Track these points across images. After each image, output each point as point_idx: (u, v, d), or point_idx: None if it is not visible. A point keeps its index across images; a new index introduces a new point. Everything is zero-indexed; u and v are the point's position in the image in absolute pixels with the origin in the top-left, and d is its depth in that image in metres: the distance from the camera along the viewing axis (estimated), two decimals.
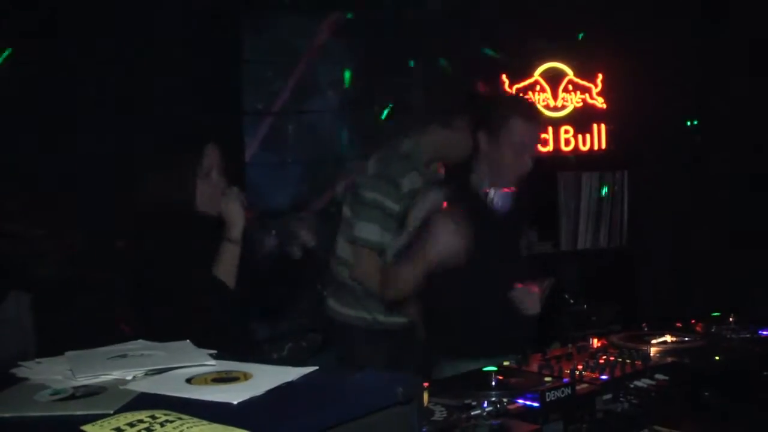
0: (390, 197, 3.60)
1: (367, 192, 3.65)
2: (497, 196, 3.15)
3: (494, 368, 2.42)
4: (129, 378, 1.45)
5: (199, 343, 1.67)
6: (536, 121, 3.28)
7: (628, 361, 2.53)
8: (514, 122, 3.13)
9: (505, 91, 3.44)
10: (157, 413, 1.19)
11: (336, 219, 3.98)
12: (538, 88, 5.41)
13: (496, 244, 3.17)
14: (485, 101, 3.36)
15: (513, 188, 3.20)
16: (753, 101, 5.50)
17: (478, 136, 3.20)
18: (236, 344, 2.79)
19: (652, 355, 2.66)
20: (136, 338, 1.74)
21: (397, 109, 5.31)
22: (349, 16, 5.11)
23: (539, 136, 3.37)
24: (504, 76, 5.30)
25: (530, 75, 5.41)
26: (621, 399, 2.35)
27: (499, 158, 3.15)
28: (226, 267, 2.94)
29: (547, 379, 2.31)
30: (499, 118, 3.15)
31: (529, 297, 3.16)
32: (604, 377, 2.37)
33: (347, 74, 5.22)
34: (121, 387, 1.40)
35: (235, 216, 2.96)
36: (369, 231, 3.60)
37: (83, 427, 1.17)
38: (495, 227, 3.16)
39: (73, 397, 1.37)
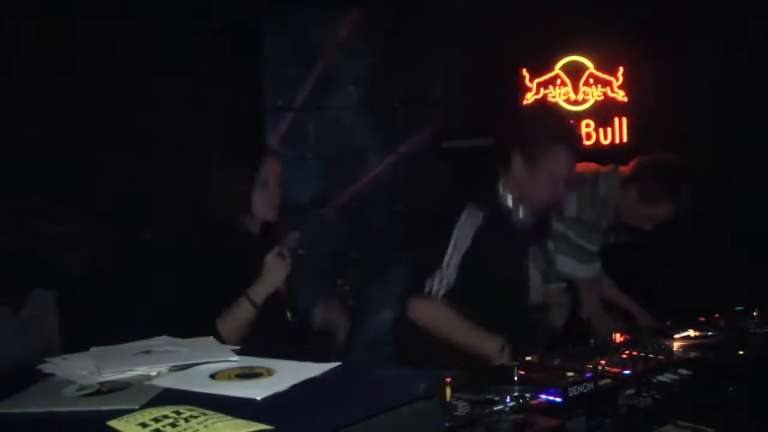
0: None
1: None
2: (523, 215, 3.10)
3: (516, 363, 2.42)
4: (153, 374, 1.46)
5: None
6: (578, 150, 3.18)
7: (651, 355, 2.52)
8: (559, 153, 3.01)
9: (551, 115, 3.36)
10: (182, 408, 1.20)
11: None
12: (558, 81, 5.40)
13: (515, 256, 3.20)
14: (528, 122, 3.23)
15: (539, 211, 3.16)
16: None
17: (512, 159, 3.05)
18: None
19: (675, 349, 2.65)
20: (160, 334, 1.76)
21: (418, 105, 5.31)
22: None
23: (575, 165, 3.20)
24: (525, 70, 5.28)
25: (551, 69, 5.39)
26: (644, 394, 2.34)
27: (534, 184, 3.04)
28: (235, 326, 2.76)
29: (570, 374, 2.30)
30: (543, 145, 3.01)
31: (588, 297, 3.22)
32: (626, 372, 2.36)
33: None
34: (145, 383, 1.41)
35: (272, 279, 2.81)
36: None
37: (109, 422, 1.18)
38: (517, 242, 3.17)
39: (98, 392, 1.38)
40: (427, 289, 2.97)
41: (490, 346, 2.93)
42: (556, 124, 3.18)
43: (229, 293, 2.79)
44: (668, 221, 3.74)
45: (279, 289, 2.84)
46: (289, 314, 2.90)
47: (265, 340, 2.77)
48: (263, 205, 2.94)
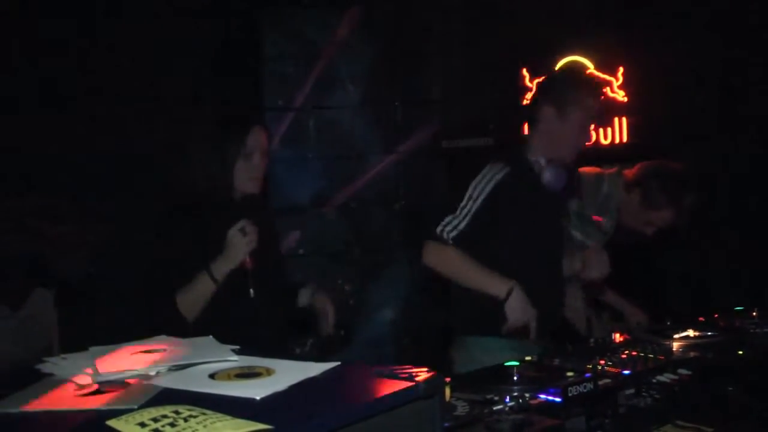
0: None
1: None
2: (552, 173, 3.14)
3: (516, 363, 2.42)
4: (153, 373, 1.46)
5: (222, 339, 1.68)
6: (602, 98, 3.29)
7: (650, 355, 2.52)
8: (587, 99, 3.14)
9: (579, 68, 3.45)
10: (181, 408, 1.20)
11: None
12: None
13: (545, 220, 3.22)
14: (552, 77, 3.35)
15: (566, 165, 3.21)
16: None
17: (543, 110, 3.16)
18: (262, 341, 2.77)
19: (674, 349, 2.65)
20: (159, 334, 1.75)
21: (418, 104, 5.31)
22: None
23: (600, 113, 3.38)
24: (525, 70, 5.28)
25: (551, 68, 5.39)
26: (643, 394, 2.34)
27: (565, 133, 3.13)
28: (193, 300, 2.75)
29: (569, 373, 2.30)
30: (572, 95, 3.13)
31: (598, 258, 3.24)
32: (626, 372, 2.36)
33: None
34: (144, 382, 1.41)
35: (234, 255, 2.78)
36: None
37: (108, 422, 1.18)
38: (546, 202, 3.19)
39: (97, 392, 1.38)
40: (439, 230, 3.03)
41: (500, 287, 2.98)
42: (583, 75, 3.30)
43: (194, 268, 2.77)
44: (669, 227, 3.77)
45: (243, 264, 2.79)
46: (252, 291, 2.81)
47: (225, 316, 2.75)
48: (244, 177, 2.89)
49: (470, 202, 3.05)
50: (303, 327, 3.08)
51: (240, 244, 2.77)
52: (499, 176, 3.07)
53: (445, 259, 3.07)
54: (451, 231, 3.03)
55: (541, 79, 3.41)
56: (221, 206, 2.88)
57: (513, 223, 3.09)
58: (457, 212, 3.05)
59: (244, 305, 2.83)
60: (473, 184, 3.07)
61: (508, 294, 2.96)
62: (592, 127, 3.25)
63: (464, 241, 3.04)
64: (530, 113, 3.24)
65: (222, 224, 2.80)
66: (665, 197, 3.66)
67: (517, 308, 2.94)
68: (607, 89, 5.50)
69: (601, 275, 3.28)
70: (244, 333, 2.72)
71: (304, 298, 3.12)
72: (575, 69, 3.45)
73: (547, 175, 3.15)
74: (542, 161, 3.16)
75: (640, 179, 3.72)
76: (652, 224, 3.74)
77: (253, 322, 2.83)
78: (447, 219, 3.04)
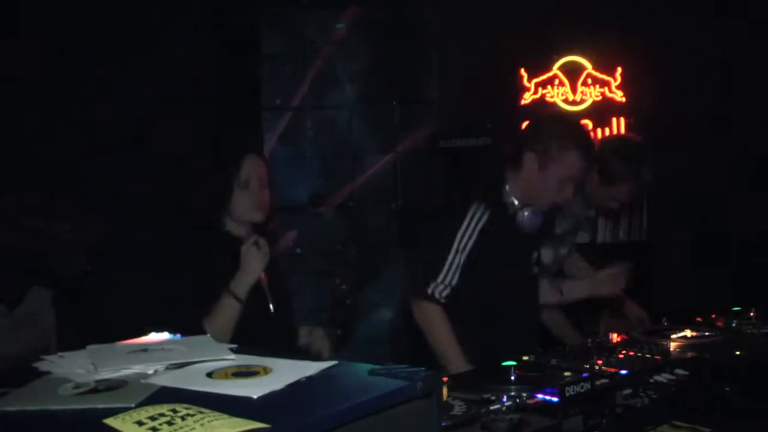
0: None
1: None
2: (526, 217, 3.09)
3: (513, 363, 2.42)
4: (150, 372, 1.46)
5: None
6: (592, 155, 3.14)
7: (647, 355, 2.53)
8: (571, 156, 3.01)
9: (569, 120, 3.38)
10: (178, 407, 1.20)
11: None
12: (556, 82, 5.40)
13: (520, 257, 3.20)
14: (540, 123, 3.21)
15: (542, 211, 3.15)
16: None
17: (526, 156, 3.05)
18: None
19: (671, 349, 2.65)
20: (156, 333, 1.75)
21: (415, 104, 5.31)
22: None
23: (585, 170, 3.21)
24: (523, 70, 5.29)
25: (549, 69, 5.39)
26: (640, 394, 2.34)
27: (544, 185, 3.04)
28: (222, 324, 2.71)
29: (567, 373, 2.31)
30: (556, 147, 3.01)
31: (613, 278, 3.30)
32: (623, 372, 2.36)
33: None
34: (142, 381, 1.41)
35: (251, 270, 2.77)
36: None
37: (105, 421, 1.18)
38: (521, 240, 3.16)
39: (95, 390, 1.37)
40: (430, 291, 2.99)
41: (458, 368, 2.92)
42: (573, 128, 3.20)
43: (213, 295, 2.75)
44: (632, 199, 3.82)
45: (260, 281, 2.80)
46: (271, 307, 2.83)
47: (248, 335, 2.72)
48: (244, 206, 2.86)
49: (458, 255, 3.00)
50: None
51: (255, 257, 2.77)
52: (482, 223, 3.01)
53: (431, 325, 3.03)
54: (443, 290, 2.99)
55: (527, 123, 3.34)
56: (227, 234, 2.87)
57: (494, 265, 3.05)
58: (446, 267, 2.99)
59: (265, 321, 2.83)
60: (459, 235, 3.00)
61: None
62: (574, 186, 3.11)
63: (452, 296, 3.02)
64: (511, 155, 3.12)
65: (233, 250, 2.79)
66: (624, 171, 3.61)
67: None
68: (605, 89, 5.49)
69: (614, 293, 3.32)
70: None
71: (302, 338, 3.09)
72: (566, 121, 3.33)
73: (522, 219, 3.09)
74: (517, 204, 3.10)
75: (598, 156, 3.54)
76: (615, 199, 3.71)
77: (275, 338, 2.83)
78: (439, 278, 2.99)
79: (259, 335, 2.77)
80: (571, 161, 3.01)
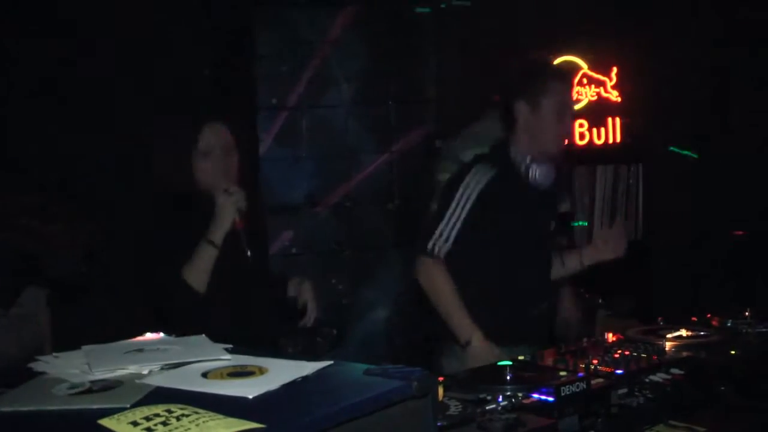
0: None
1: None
2: (539, 170, 3.10)
3: (509, 362, 2.42)
4: (145, 372, 1.46)
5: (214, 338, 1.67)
6: (570, 83, 3.28)
7: (643, 355, 2.53)
8: (553, 85, 3.10)
9: (530, 59, 3.39)
10: (173, 407, 1.19)
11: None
12: None
13: (533, 220, 3.20)
14: (515, 74, 3.25)
15: (553, 162, 3.17)
16: None
17: (516, 107, 3.12)
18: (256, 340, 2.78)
19: (667, 349, 2.65)
20: (152, 332, 1.75)
21: (411, 104, 5.31)
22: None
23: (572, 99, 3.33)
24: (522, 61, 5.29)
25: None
26: (636, 393, 2.34)
27: (542, 126, 3.09)
28: (198, 270, 2.79)
29: (562, 373, 2.31)
30: (538, 84, 3.09)
31: (615, 237, 3.26)
32: (619, 372, 2.36)
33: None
34: (137, 381, 1.41)
35: (225, 216, 2.83)
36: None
37: (100, 421, 1.18)
38: (534, 201, 3.17)
39: (90, 391, 1.37)
40: (430, 245, 3.03)
41: (463, 333, 3.00)
42: (544, 63, 3.30)
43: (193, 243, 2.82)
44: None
45: (235, 226, 2.85)
46: (249, 252, 2.86)
47: (228, 282, 2.82)
48: (206, 175, 2.90)
49: (458, 209, 3.04)
50: (291, 316, 3.11)
51: (227, 203, 2.83)
52: (485, 179, 3.05)
53: (433, 281, 3.07)
54: (443, 245, 3.02)
55: (506, 77, 3.31)
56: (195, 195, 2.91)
57: (501, 224, 3.08)
58: (445, 220, 3.03)
59: (242, 266, 2.87)
60: (460, 188, 3.05)
61: (466, 344, 2.99)
62: (570, 115, 3.19)
63: (455, 252, 3.03)
64: (504, 113, 3.20)
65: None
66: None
67: (478, 356, 2.91)
68: (601, 89, 5.49)
69: (617, 254, 3.28)
70: (243, 295, 2.86)
71: (292, 289, 3.14)
72: (539, 60, 3.37)
73: (534, 173, 3.11)
74: (527, 159, 3.11)
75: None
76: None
77: (251, 284, 2.91)
78: (437, 231, 3.02)
79: (235, 280, 2.85)
80: (557, 91, 3.10)
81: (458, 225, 3.02)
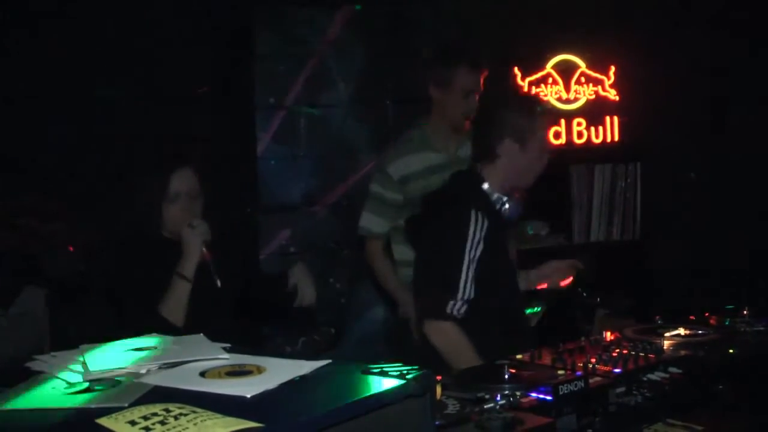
0: (385, 186, 3.86)
1: (370, 184, 3.97)
2: (514, 206, 3.11)
3: (507, 361, 2.43)
4: (143, 371, 1.46)
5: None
6: (548, 108, 3.40)
7: (641, 354, 2.53)
8: (541, 123, 3.13)
9: (509, 94, 3.45)
10: (171, 406, 1.20)
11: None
12: (550, 80, 5.40)
13: (505, 253, 3.24)
14: (497, 111, 3.18)
15: (522, 194, 3.19)
16: None
17: (503, 146, 3.07)
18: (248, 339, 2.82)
19: (665, 348, 2.65)
20: (149, 332, 1.75)
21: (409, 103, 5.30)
22: (358, 7, 5.10)
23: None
24: (516, 69, 5.29)
25: (542, 67, 5.39)
26: (634, 392, 2.35)
27: (528, 163, 3.09)
28: (173, 304, 2.85)
29: (560, 372, 2.31)
30: (528, 124, 3.07)
31: (559, 271, 3.36)
32: (617, 370, 2.36)
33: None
34: (135, 380, 1.41)
35: (192, 250, 2.89)
36: (367, 220, 3.93)
37: (98, 420, 1.18)
38: (503, 235, 3.20)
39: (88, 390, 1.37)
40: (448, 310, 2.92)
41: None
42: (525, 97, 3.33)
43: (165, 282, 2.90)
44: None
45: (204, 257, 2.91)
46: (218, 282, 2.91)
47: (201, 312, 2.88)
48: (174, 220, 2.96)
49: (470, 267, 2.95)
50: (284, 297, 3.15)
51: (192, 236, 2.90)
52: (485, 230, 2.99)
53: (454, 346, 2.94)
54: (461, 307, 2.92)
55: (492, 114, 3.22)
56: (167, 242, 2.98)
57: (493, 264, 3.04)
58: (462, 283, 2.93)
59: (214, 297, 2.94)
60: (467, 246, 2.95)
61: None
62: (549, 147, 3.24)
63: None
64: (489, 149, 3.11)
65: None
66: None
67: None
68: (599, 88, 5.50)
69: (560, 285, 3.39)
70: (216, 324, 2.83)
71: (291, 280, 3.18)
72: (525, 99, 3.44)
73: (510, 209, 3.11)
74: (496, 194, 3.09)
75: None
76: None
77: (223, 312, 2.99)
78: (458, 295, 2.91)
79: (209, 311, 2.90)
80: (543, 124, 3.14)
81: (471, 286, 2.94)
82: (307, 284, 3.14)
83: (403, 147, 3.92)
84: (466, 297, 2.92)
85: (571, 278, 3.39)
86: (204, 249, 2.91)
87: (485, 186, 3.11)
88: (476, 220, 2.98)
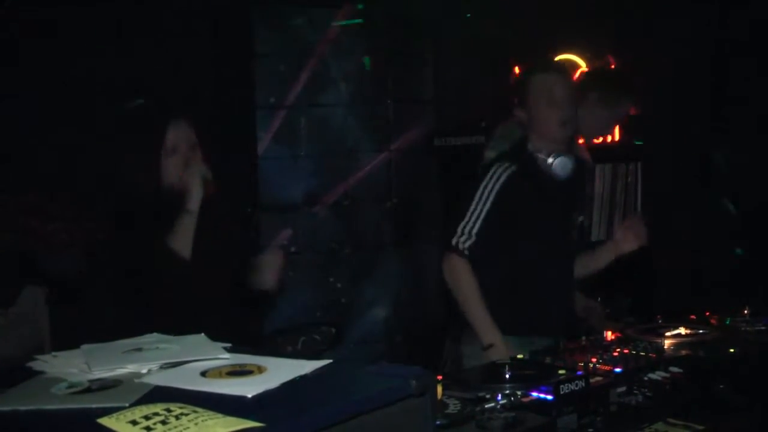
0: None
1: None
2: (556, 162, 3.19)
3: (508, 361, 2.43)
4: (144, 371, 1.46)
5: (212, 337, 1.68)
6: (556, 71, 3.35)
7: (642, 353, 2.53)
8: (533, 78, 3.26)
9: (533, 63, 3.52)
10: (172, 406, 1.20)
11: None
12: None
13: (554, 214, 3.27)
14: (514, 84, 3.51)
15: (571, 153, 3.27)
16: None
17: (517, 114, 3.32)
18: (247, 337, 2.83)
19: (666, 347, 2.65)
20: (150, 332, 1.75)
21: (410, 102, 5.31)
22: (360, 6, 5.10)
23: (566, 85, 3.34)
24: (517, 68, 5.29)
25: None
26: (635, 392, 2.35)
27: (538, 120, 3.22)
28: (181, 238, 2.93)
29: (561, 371, 2.31)
30: (524, 85, 3.28)
31: (634, 230, 3.32)
32: (618, 370, 2.37)
33: (366, 61, 5.21)
34: (136, 380, 1.41)
35: (194, 186, 2.95)
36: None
37: (99, 420, 1.18)
38: (555, 196, 3.25)
39: (89, 390, 1.37)
40: (454, 242, 3.11)
41: (485, 336, 3.05)
42: (532, 66, 3.42)
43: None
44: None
45: (206, 192, 2.96)
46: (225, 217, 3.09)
47: (210, 245, 2.95)
48: (175, 172, 2.96)
49: (480, 205, 3.12)
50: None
51: (191, 175, 2.94)
52: (505, 175, 3.15)
53: (457, 279, 3.14)
54: (466, 240, 3.09)
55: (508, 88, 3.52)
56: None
57: (522, 218, 3.15)
58: (467, 217, 3.12)
59: (223, 228, 3.09)
60: (481, 186, 3.14)
61: (488, 346, 3.04)
62: (563, 101, 3.25)
63: (479, 249, 3.10)
64: (512, 115, 3.38)
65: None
66: (619, 92, 3.93)
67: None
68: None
69: (638, 245, 3.34)
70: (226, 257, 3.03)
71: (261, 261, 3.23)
72: (527, 65, 3.55)
73: (553, 165, 3.19)
74: (544, 153, 3.21)
75: (590, 82, 3.92)
76: (614, 121, 4.05)
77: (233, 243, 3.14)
78: (459, 228, 3.11)
79: (214, 249, 2.98)
80: (539, 81, 3.23)
81: (480, 221, 3.11)
82: (271, 270, 3.16)
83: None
84: (468, 230, 3.11)
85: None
86: (206, 183, 2.97)
87: (530, 147, 3.26)
88: (494, 172, 3.17)
